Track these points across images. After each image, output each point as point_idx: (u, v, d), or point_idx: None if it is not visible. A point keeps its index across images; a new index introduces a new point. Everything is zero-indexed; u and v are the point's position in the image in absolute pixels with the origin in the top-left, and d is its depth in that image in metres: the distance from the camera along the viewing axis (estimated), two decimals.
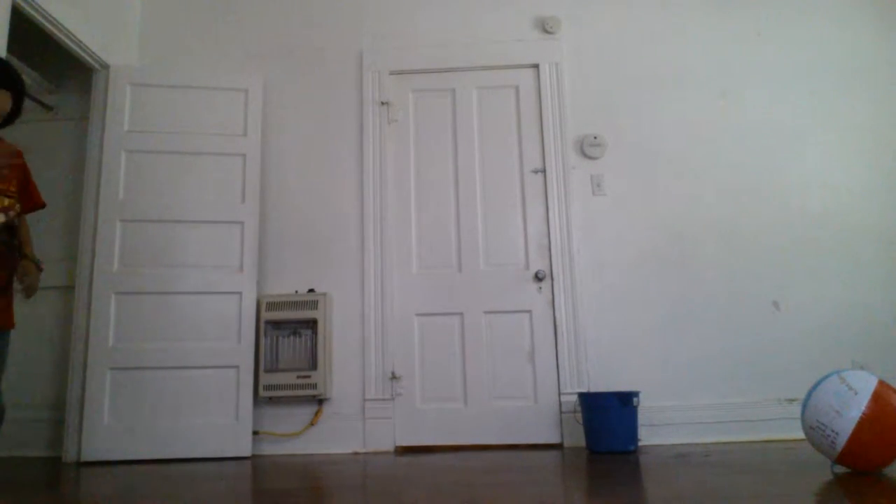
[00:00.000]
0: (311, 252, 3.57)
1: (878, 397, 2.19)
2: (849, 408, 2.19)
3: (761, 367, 3.35)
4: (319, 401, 3.40)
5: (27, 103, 3.68)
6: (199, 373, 3.29)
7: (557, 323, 3.44)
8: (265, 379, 3.32)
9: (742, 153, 3.59)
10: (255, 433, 3.30)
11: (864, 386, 2.22)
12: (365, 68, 3.76)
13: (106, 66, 3.52)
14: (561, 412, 3.34)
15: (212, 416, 3.25)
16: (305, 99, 3.76)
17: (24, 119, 3.75)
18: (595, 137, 3.62)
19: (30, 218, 2.25)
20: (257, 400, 3.35)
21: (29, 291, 2.08)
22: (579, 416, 3.21)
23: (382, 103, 3.71)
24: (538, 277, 3.50)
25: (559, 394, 3.36)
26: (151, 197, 3.43)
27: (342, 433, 3.37)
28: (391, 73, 3.76)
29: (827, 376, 2.33)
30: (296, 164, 3.68)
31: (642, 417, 3.15)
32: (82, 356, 3.27)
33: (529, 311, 3.48)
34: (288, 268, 3.55)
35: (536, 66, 3.73)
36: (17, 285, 2.08)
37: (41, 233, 3.67)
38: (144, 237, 3.39)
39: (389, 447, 3.36)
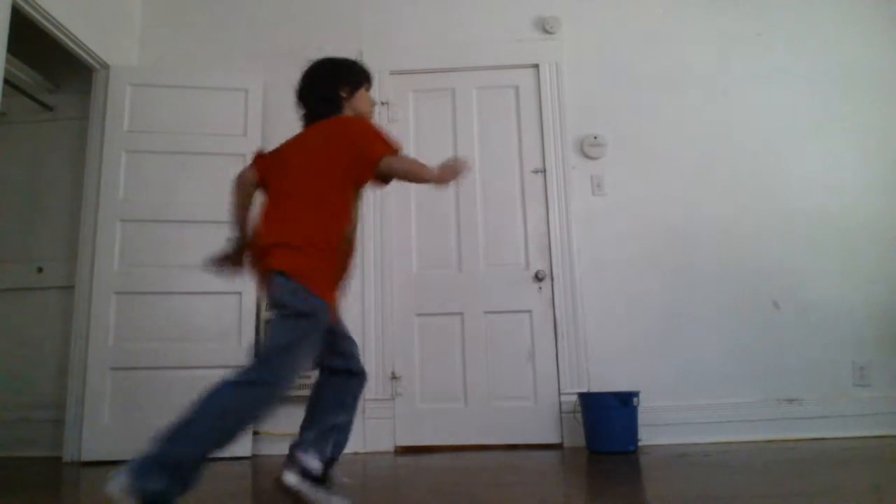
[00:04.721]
0: None
1: None
2: None
3: (761, 367, 3.35)
4: None
5: (27, 103, 3.71)
6: (200, 373, 3.27)
7: (557, 323, 3.43)
8: None
9: (742, 153, 3.58)
10: (255, 433, 3.29)
11: None
12: None
13: (106, 66, 3.52)
14: (561, 412, 3.33)
15: None
16: None
17: (24, 119, 3.81)
18: (595, 137, 3.61)
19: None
20: None
21: None
22: (579, 416, 3.21)
23: (382, 103, 3.70)
24: (538, 277, 3.49)
25: (559, 394, 3.36)
26: (151, 197, 3.43)
27: None
28: (391, 73, 3.75)
29: None
30: None
31: (642, 417, 3.15)
32: (82, 356, 3.27)
33: (529, 311, 3.47)
34: None
35: (536, 66, 3.72)
36: None
37: (41, 233, 3.69)
38: (144, 237, 3.38)
39: (389, 447, 3.35)
